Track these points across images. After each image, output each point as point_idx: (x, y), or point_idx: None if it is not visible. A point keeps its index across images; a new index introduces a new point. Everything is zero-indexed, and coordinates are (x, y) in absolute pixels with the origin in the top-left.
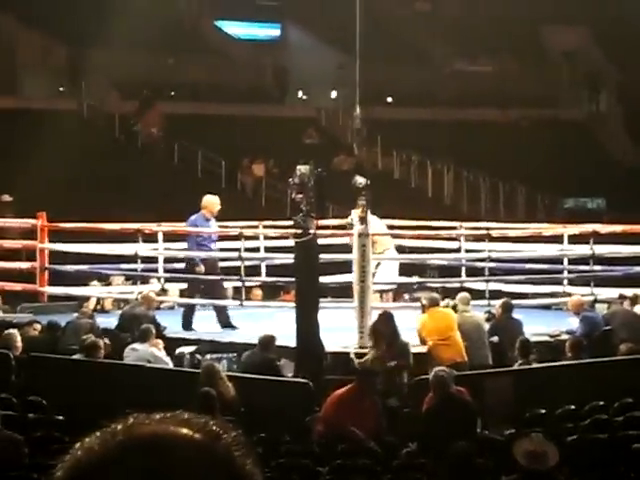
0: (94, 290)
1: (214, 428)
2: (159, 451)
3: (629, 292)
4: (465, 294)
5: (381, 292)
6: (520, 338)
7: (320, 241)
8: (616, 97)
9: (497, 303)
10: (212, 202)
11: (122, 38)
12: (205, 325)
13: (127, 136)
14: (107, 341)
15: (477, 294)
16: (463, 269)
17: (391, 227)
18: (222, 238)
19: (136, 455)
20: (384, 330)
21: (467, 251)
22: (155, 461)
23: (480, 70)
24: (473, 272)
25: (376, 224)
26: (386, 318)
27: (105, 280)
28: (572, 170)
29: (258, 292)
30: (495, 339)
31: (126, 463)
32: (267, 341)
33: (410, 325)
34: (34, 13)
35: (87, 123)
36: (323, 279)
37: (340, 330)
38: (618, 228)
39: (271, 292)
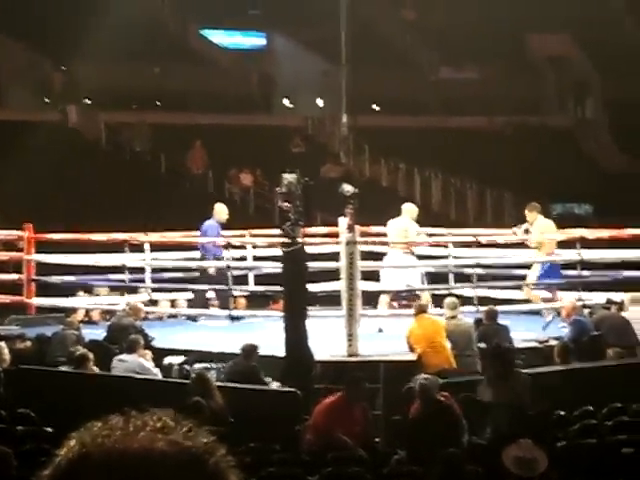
0: (82, 301)
1: (203, 443)
2: (146, 470)
3: (617, 297)
4: (452, 299)
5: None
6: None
7: (308, 249)
8: (602, 104)
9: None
10: (222, 210)
11: (108, 49)
12: (193, 336)
13: (114, 147)
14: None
15: (466, 301)
16: (451, 276)
17: (379, 235)
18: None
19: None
20: None
21: (455, 257)
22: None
23: (466, 77)
24: (462, 279)
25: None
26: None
27: (91, 291)
28: (559, 176)
29: (242, 301)
30: (483, 346)
31: None
32: (249, 350)
33: (401, 333)
34: (19, 25)
35: (72, 134)
36: (312, 287)
37: (328, 338)
38: (605, 233)
39: (260, 302)
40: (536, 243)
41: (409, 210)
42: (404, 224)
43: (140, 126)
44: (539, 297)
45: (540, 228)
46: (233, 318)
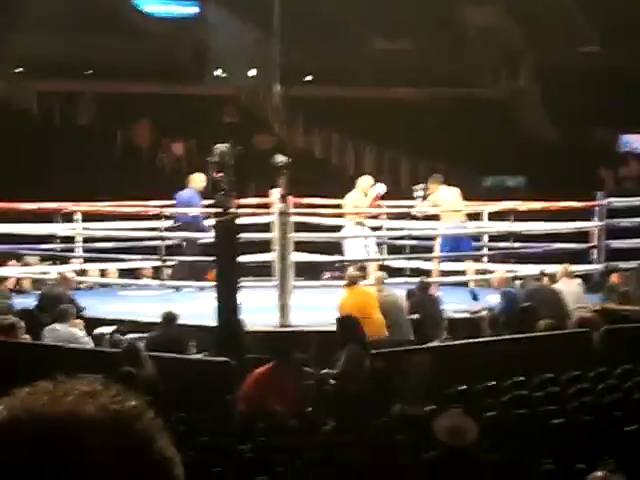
0: (12, 270)
1: (131, 407)
2: (74, 433)
3: (549, 269)
4: (381, 273)
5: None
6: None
7: (241, 220)
8: (534, 75)
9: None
10: (198, 178)
11: (39, 19)
12: (124, 305)
13: (45, 116)
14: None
15: (398, 272)
16: (385, 247)
17: (312, 206)
18: (141, 217)
19: (46, 440)
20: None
21: (388, 229)
22: (67, 446)
23: (400, 48)
24: (394, 250)
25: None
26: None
27: (21, 260)
28: (491, 148)
29: (169, 271)
30: (416, 316)
31: (34, 451)
32: (169, 318)
33: (333, 304)
34: None
35: (3, 104)
36: (244, 258)
37: (261, 309)
38: (537, 205)
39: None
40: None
41: (361, 183)
42: (353, 197)
43: (79, 95)
44: (438, 270)
45: (435, 199)
46: (166, 288)
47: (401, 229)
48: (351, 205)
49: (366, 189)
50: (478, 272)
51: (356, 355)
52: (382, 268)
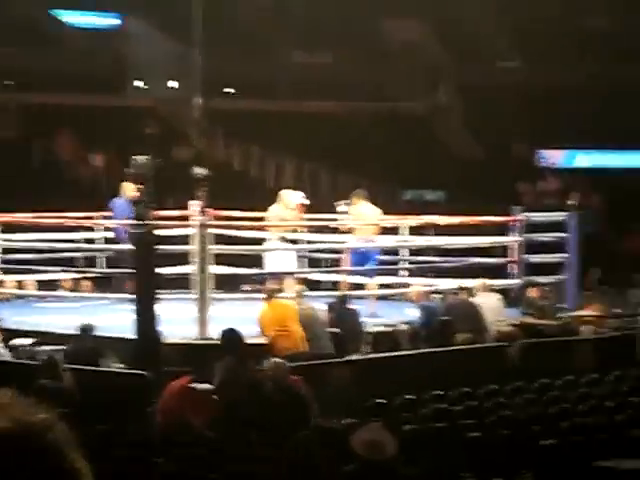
0: None
1: (42, 419)
2: None
3: (467, 283)
4: (300, 287)
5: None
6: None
7: (160, 232)
8: (454, 90)
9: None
10: (128, 187)
11: None
12: (43, 316)
13: None
14: None
15: (318, 285)
16: (305, 260)
17: (231, 218)
18: (59, 229)
19: None
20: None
21: (309, 242)
22: None
23: (319, 62)
24: (315, 264)
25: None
26: None
27: None
28: (412, 163)
29: (87, 283)
30: (335, 330)
31: None
32: (85, 330)
33: (253, 316)
34: None
35: None
36: (163, 270)
37: (180, 322)
38: (456, 220)
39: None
40: (348, 228)
41: (282, 197)
42: (276, 211)
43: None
44: (347, 283)
45: (355, 214)
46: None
47: (321, 242)
48: (275, 218)
49: (290, 203)
50: (397, 286)
51: (232, 366)
52: (302, 281)
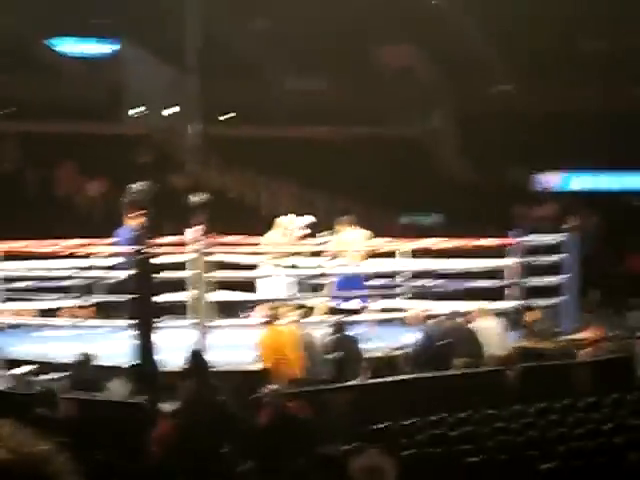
0: None
1: (41, 450)
2: None
3: (465, 307)
4: (299, 312)
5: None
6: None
7: (156, 259)
8: (450, 114)
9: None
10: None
11: None
12: (39, 346)
13: None
14: None
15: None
16: (303, 286)
17: (229, 244)
18: (54, 256)
19: None
20: None
21: (305, 268)
22: None
23: (314, 88)
24: (313, 289)
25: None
26: None
27: None
28: (407, 187)
29: (87, 311)
30: (334, 356)
31: None
32: (83, 359)
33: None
34: None
35: None
36: (160, 297)
37: (179, 349)
38: (453, 243)
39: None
40: (333, 253)
41: (282, 223)
42: (273, 237)
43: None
44: (326, 306)
45: (339, 241)
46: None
47: (317, 267)
48: (272, 244)
49: (288, 229)
50: (394, 310)
51: (194, 389)
52: (300, 307)
